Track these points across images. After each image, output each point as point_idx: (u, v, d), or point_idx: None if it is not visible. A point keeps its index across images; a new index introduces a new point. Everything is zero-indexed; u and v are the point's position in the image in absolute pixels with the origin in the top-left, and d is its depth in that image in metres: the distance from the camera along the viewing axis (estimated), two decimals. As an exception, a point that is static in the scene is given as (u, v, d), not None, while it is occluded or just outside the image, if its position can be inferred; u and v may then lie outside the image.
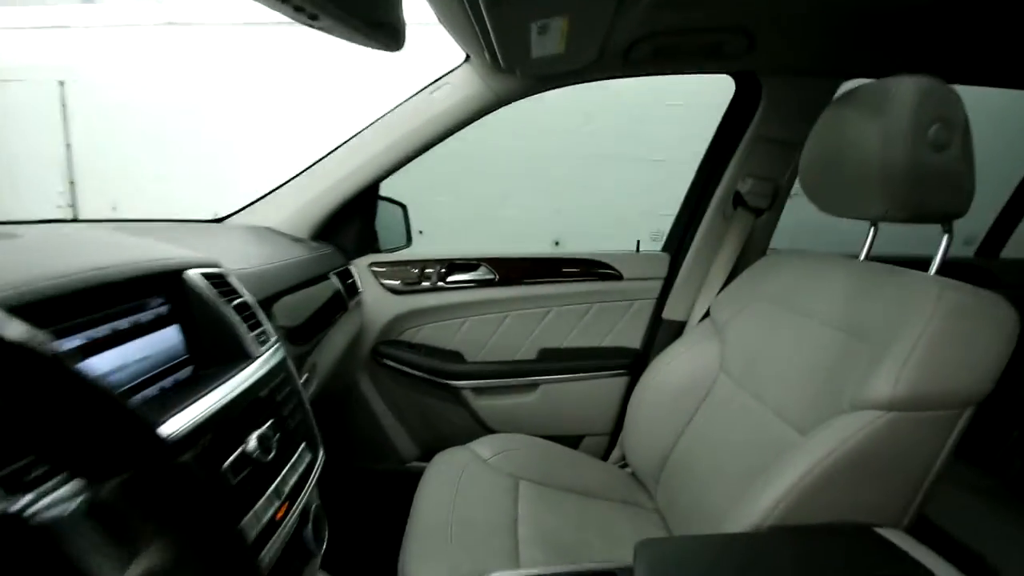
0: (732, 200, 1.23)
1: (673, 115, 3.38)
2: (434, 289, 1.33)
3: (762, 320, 1.01)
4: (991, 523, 1.10)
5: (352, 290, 1.21)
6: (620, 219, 3.55)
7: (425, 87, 1.13)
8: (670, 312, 1.33)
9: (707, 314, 1.21)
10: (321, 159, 1.21)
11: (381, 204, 1.35)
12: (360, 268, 1.31)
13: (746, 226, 1.22)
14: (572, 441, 1.41)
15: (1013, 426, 1.31)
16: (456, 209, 3.48)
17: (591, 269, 1.35)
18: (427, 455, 1.21)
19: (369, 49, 0.77)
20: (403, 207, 1.42)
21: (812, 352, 0.87)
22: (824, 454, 0.72)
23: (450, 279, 1.34)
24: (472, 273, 1.35)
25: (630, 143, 3.45)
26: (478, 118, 1.14)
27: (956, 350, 0.69)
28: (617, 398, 1.39)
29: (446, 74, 1.11)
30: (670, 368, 1.15)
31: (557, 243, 3.63)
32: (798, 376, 0.88)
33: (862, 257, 0.96)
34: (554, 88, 1.12)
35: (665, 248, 1.38)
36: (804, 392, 0.85)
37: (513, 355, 1.37)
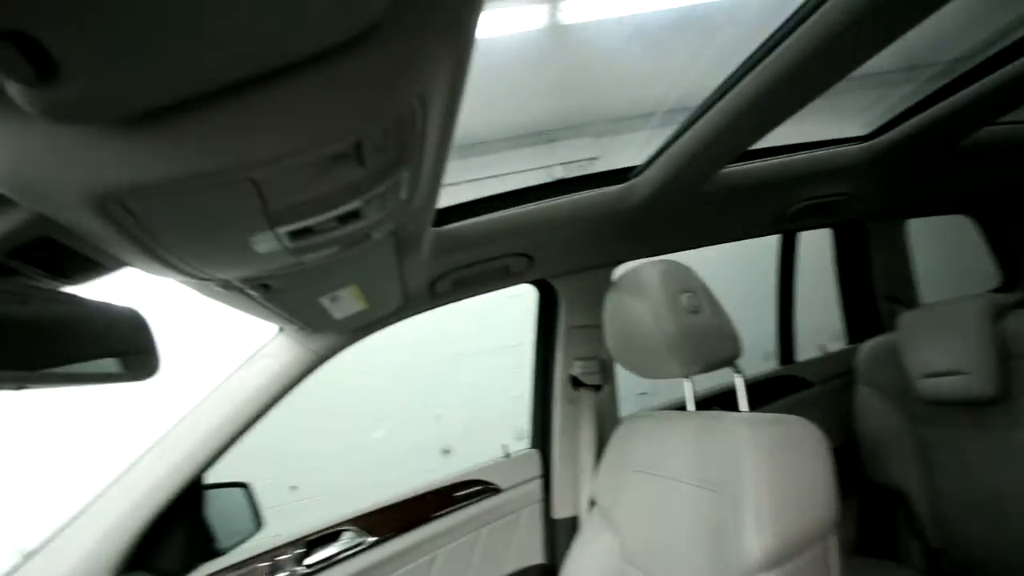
0: (572, 383, 1.30)
1: (517, 304, 3.70)
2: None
3: (639, 494, 1.00)
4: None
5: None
6: (500, 407, 3.56)
7: (237, 368, 1.08)
8: (559, 510, 1.26)
9: (593, 501, 1.18)
10: (124, 474, 1.04)
11: (211, 495, 1.16)
12: None
13: (592, 403, 1.28)
14: None
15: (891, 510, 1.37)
16: (330, 448, 3.22)
17: (468, 490, 1.26)
18: None
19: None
20: (244, 487, 1.23)
21: (688, 515, 0.86)
22: None
23: (310, 561, 1.14)
24: (337, 544, 1.17)
25: (486, 336, 3.64)
26: (303, 379, 1.10)
27: (792, 484, 0.73)
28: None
29: (259, 349, 1.09)
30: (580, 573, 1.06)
31: (447, 451, 3.45)
32: (687, 547, 0.85)
33: (690, 408, 1.04)
34: (374, 332, 1.16)
35: (533, 445, 1.37)
36: (694, 561, 0.82)
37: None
